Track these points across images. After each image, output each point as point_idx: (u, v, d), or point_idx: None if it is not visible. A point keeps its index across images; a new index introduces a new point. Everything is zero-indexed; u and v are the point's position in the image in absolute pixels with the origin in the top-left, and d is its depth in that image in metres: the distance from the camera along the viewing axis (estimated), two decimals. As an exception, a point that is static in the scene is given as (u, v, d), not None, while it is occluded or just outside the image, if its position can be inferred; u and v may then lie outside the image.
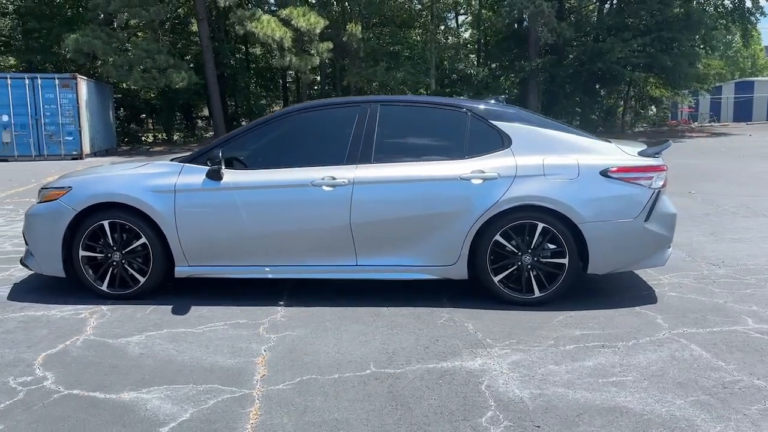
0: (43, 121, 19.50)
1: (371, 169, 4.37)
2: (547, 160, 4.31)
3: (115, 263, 4.53)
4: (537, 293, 4.34)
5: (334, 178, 4.33)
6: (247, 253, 4.47)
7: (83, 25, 22.71)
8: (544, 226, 4.27)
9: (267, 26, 22.61)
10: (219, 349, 3.63)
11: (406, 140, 4.59)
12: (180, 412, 2.87)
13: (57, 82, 19.56)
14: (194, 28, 27.95)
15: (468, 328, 3.95)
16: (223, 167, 4.39)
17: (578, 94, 31.60)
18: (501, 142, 4.41)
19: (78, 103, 19.79)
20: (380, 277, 4.44)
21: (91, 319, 4.15)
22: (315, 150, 4.62)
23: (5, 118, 19.28)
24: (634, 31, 27.36)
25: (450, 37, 35.10)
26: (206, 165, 4.41)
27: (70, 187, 4.58)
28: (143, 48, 22.07)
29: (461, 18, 38.10)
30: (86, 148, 20.31)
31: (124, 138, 28.56)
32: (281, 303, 4.48)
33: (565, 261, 4.29)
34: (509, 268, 4.34)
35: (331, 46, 24.85)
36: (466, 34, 37.69)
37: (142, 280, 4.52)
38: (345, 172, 4.36)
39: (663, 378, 3.17)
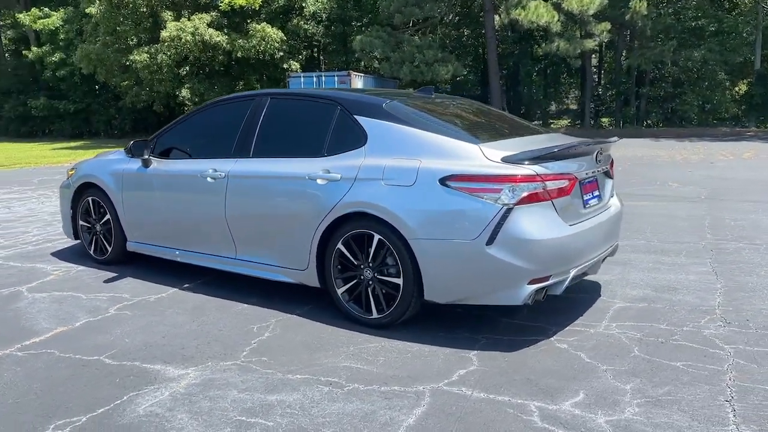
0: (323, 112, 22.67)
1: (245, 164, 4.33)
2: (390, 162, 3.65)
3: (96, 232, 5.45)
4: (375, 314, 3.75)
5: (215, 171, 4.43)
6: (163, 235, 4.89)
7: (370, 26, 25.42)
8: (379, 239, 3.65)
9: (533, 12, 21.85)
10: (62, 315, 4.17)
11: (284, 135, 4.35)
12: (-66, 356, 3.52)
13: (336, 78, 22.45)
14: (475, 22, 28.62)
15: (262, 336, 3.69)
16: (148, 155, 4.87)
17: None
18: (359, 139, 3.88)
19: (352, 95, 22.38)
20: (253, 273, 4.38)
21: (50, 276, 5.13)
22: (214, 142, 4.75)
23: (298, 109, 23.04)
24: None
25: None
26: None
27: (75, 168, 5.65)
28: (414, 44, 23.64)
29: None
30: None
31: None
32: (186, 286, 4.78)
33: (400, 281, 3.60)
34: (352, 281, 3.84)
35: (608, 26, 22.72)
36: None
37: (109, 249, 5.35)
38: (225, 165, 4.42)
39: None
